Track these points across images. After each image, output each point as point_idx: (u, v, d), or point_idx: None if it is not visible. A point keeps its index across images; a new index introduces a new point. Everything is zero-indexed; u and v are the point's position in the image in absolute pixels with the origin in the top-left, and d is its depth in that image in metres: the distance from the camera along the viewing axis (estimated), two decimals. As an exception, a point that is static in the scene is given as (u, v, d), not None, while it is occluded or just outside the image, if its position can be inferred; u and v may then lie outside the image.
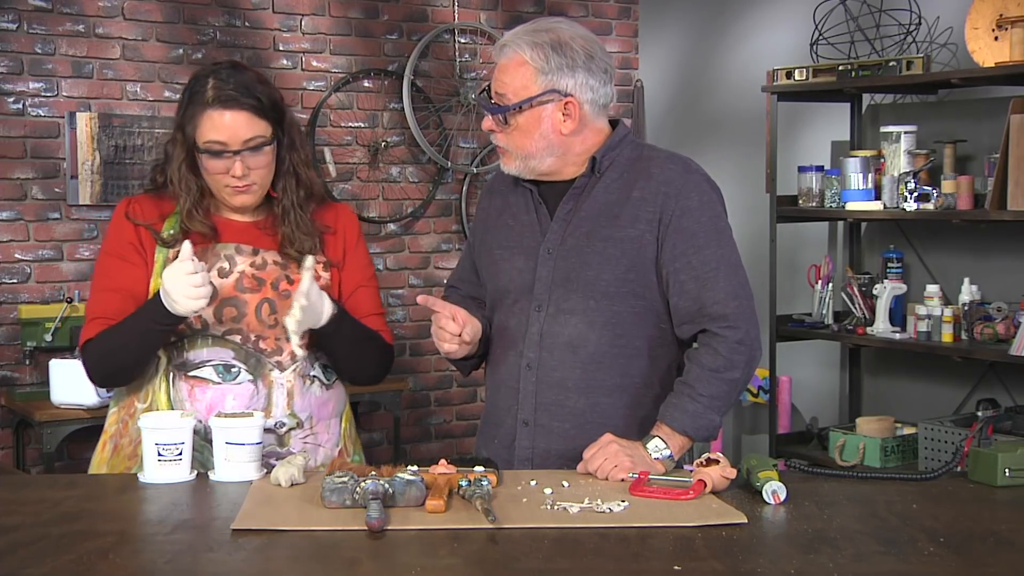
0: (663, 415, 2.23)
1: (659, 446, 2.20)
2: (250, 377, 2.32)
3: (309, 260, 2.23)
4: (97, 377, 2.36)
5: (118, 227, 2.37)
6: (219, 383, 2.31)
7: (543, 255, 2.31)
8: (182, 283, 2.16)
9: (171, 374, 2.33)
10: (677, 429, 2.21)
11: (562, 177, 2.33)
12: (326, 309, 2.27)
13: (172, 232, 2.34)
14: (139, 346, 2.28)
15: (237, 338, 2.32)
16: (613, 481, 2.10)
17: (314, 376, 2.38)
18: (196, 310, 2.21)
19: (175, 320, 2.23)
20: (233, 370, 2.32)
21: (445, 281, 2.59)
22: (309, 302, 2.21)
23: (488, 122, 2.31)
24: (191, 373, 2.32)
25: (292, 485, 2.06)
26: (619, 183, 2.30)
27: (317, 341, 2.35)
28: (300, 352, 2.29)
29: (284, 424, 2.33)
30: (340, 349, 2.37)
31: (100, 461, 2.39)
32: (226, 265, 2.34)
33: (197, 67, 4.93)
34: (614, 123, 2.37)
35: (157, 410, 2.32)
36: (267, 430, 2.29)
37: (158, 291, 2.22)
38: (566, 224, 2.30)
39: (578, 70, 2.24)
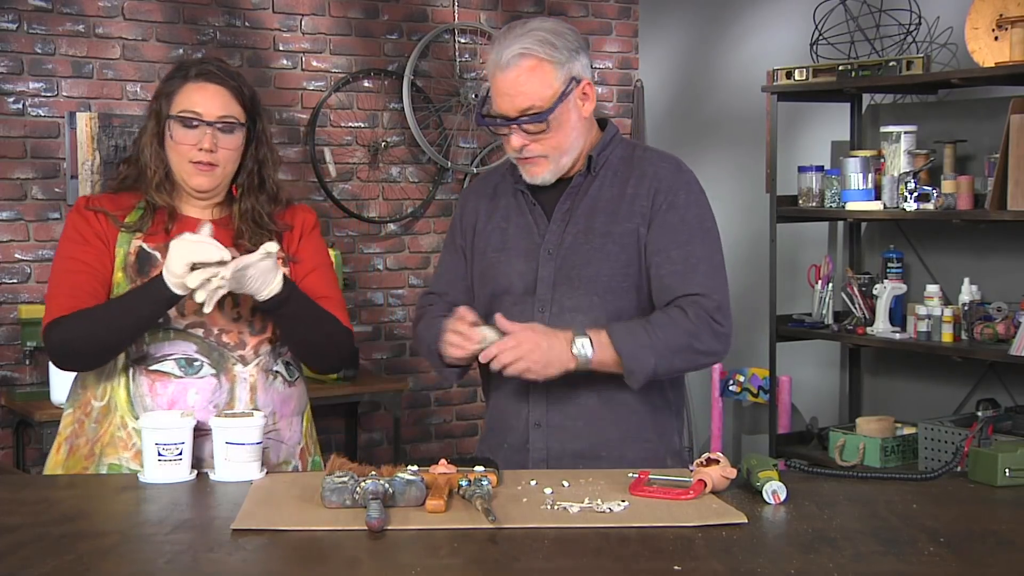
0: (611, 327, 2.21)
1: (585, 345, 2.18)
2: (213, 371, 2.31)
3: (273, 246, 2.19)
4: (64, 357, 2.29)
5: (77, 218, 2.35)
6: (181, 377, 2.29)
7: (544, 256, 2.31)
8: (189, 250, 2.14)
9: (130, 369, 2.31)
10: (615, 343, 2.19)
11: (565, 175, 2.34)
12: (273, 286, 2.22)
13: (134, 220, 2.33)
14: (126, 327, 2.24)
15: (200, 331, 2.31)
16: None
17: (277, 372, 2.37)
18: (181, 280, 2.16)
19: (171, 300, 2.20)
20: (195, 364, 2.30)
21: (416, 308, 2.51)
22: (243, 274, 2.16)
23: (518, 139, 2.25)
24: (152, 367, 2.30)
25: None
26: (613, 180, 2.32)
27: (273, 324, 2.34)
28: (199, 299, 2.18)
29: None
30: (290, 328, 2.33)
31: (55, 464, 2.37)
32: None
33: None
34: (601, 122, 2.39)
35: (116, 408, 2.30)
36: None
37: (160, 273, 2.19)
38: (564, 224, 2.31)
39: (580, 52, 2.28)
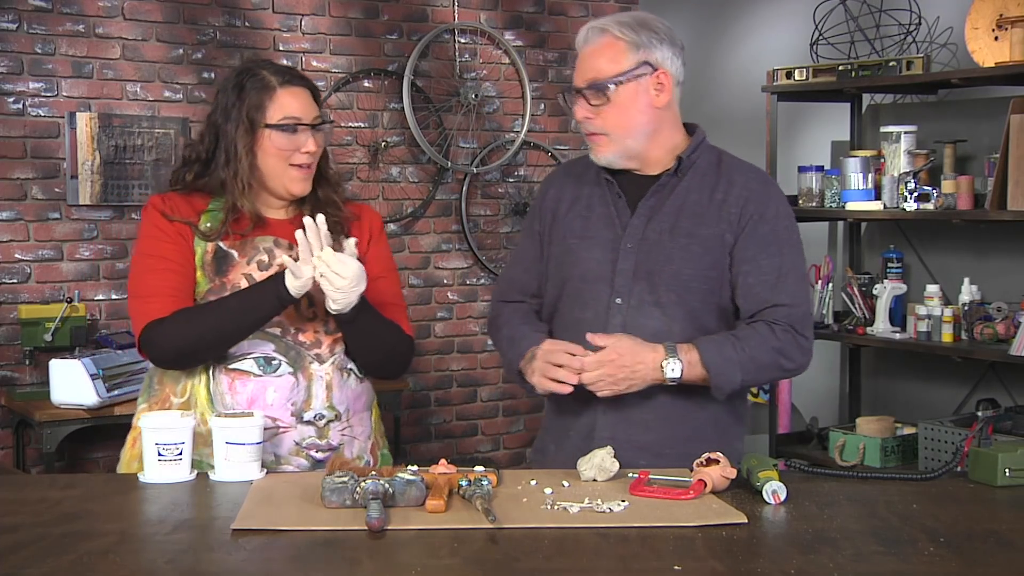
0: (700, 343, 2.24)
1: (676, 369, 2.20)
2: (290, 369, 2.34)
3: (354, 241, 2.26)
4: (174, 356, 2.31)
5: (155, 220, 2.36)
6: (260, 375, 2.33)
7: (624, 249, 2.33)
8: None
9: (211, 368, 2.34)
10: (704, 360, 2.22)
11: (645, 170, 2.37)
12: (352, 299, 2.27)
13: (210, 225, 2.35)
14: (243, 328, 2.28)
15: (277, 331, 2.34)
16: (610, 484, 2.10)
17: (350, 369, 2.41)
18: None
19: (288, 302, 2.26)
20: (274, 363, 2.33)
21: (492, 295, 2.49)
22: (336, 271, 2.21)
23: (581, 110, 2.32)
24: (232, 366, 2.33)
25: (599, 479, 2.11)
26: (701, 184, 2.35)
27: (341, 330, 2.37)
28: (332, 306, 2.26)
29: (324, 416, 2.35)
30: (358, 339, 2.37)
31: (131, 458, 2.39)
32: (265, 258, 2.36)
33: (197, 67, 4.95)
34: (689, 127, 2.43)
35: (196, 405, 2.33)
36: (307, 422, 2.33)
37: (279, 272, 2.24)
38: (647, 220, 2.34)
39: (664, 44, 2.33)
